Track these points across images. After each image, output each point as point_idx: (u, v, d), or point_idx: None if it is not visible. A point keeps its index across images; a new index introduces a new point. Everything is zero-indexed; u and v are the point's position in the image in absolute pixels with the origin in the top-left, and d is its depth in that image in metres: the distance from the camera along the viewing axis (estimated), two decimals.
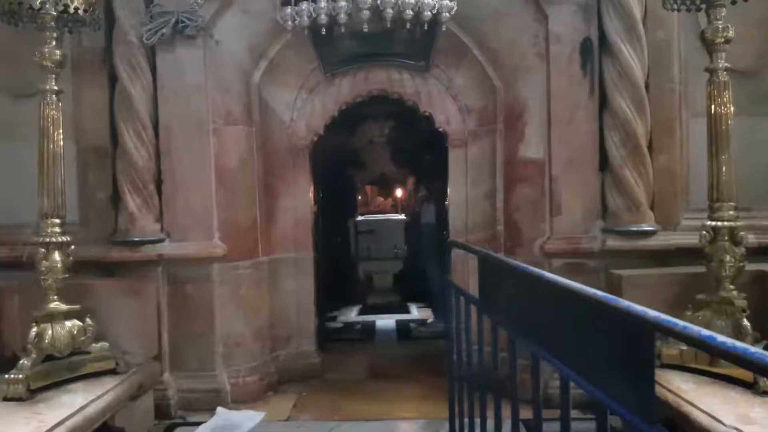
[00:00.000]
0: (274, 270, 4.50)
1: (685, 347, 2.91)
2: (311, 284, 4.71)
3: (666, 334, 1.14)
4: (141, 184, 3.86)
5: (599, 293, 1.45)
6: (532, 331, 2.05)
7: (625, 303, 1.29)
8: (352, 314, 7.45)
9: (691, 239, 3.35)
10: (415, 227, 7.62)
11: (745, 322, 2.84)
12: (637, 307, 1.23)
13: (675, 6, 3.17)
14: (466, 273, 4.12)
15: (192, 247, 3.96)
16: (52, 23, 3.03)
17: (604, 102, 3.90)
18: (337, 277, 7.06)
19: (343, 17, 3.38)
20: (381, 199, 10.42)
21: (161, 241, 3.93)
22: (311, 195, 4.80)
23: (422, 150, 7.21)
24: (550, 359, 1.85)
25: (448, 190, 4.71)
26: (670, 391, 2.72)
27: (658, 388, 1.55)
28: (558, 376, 1.84)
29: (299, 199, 4.64)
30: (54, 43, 3.05)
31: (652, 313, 1.18)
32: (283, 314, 4.57)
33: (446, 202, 5.05)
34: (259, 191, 4.37)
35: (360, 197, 9.95)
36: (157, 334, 3.77)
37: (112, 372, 3.22)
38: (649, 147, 3.84)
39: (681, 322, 1.10)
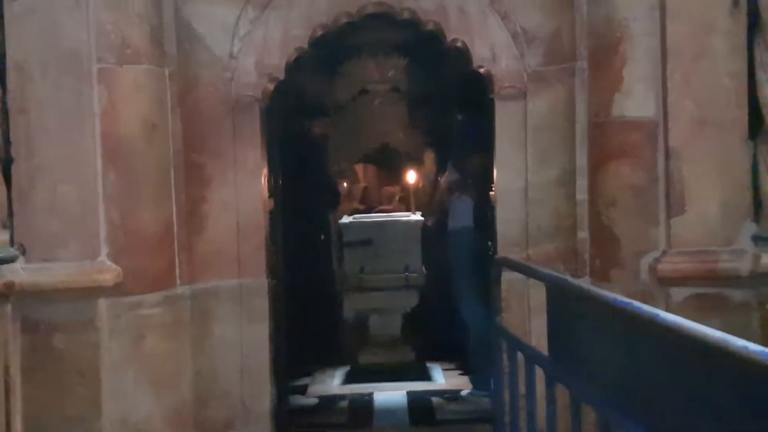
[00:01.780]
0: (201, 308, 4.49)
1: None
2: (265, 332, 4.69)
3: None
4: None
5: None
6: (644, 411, 2.06)
7: None
8: (333, 382, 7.40)
9: None
10: (440, 235, 7.57)
11: None
12: None
13: None
14: (525, 312, 4.18)
15: (62, 270, 3.95)
16: None
17: (756, 24, 3.90)
18: (309, 318, 7.02)
19: None
20: (389, 190, 10.42)
21: (10, 260, 3.90)
22: (265, 182, 4.80)
23: (450, 105, 7.19)
24: None
25: (495, 172, 4.72)
26: None
27: None
28: None
29: (244, 188, 4.62)
30: None
31: None
32: (217, 383, 4.55)
33: (491, 194, 5.02)
34: (177, 176, 4.36)
35: (346, 185, 9.93)
36: (4, 417, 3.75)
37: None
38: None
39: None
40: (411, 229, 8.07)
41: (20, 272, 3.89)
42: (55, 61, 3.97)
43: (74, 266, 3.97)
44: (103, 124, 4.03)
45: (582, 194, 4.36)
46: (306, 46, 4.60)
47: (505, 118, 4.57)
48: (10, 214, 3.94)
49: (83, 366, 3.98)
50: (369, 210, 9.68)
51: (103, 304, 4.01)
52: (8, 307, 3.87)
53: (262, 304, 4.69)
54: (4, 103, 3.93)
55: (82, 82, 4.00)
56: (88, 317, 3.99)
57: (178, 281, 4.35)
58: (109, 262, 4.01)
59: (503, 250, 4.50)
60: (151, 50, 4.23)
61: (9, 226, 3.94)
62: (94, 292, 3.98)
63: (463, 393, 6.80)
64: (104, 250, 4.02)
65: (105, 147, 4.03)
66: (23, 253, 3.93)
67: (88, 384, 3.99)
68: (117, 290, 4.03)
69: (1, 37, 3.92)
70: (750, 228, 3.95)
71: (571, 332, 2.76)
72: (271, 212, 4.94)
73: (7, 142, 3.93)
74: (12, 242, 3.94)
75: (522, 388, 3.28)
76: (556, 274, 3.13)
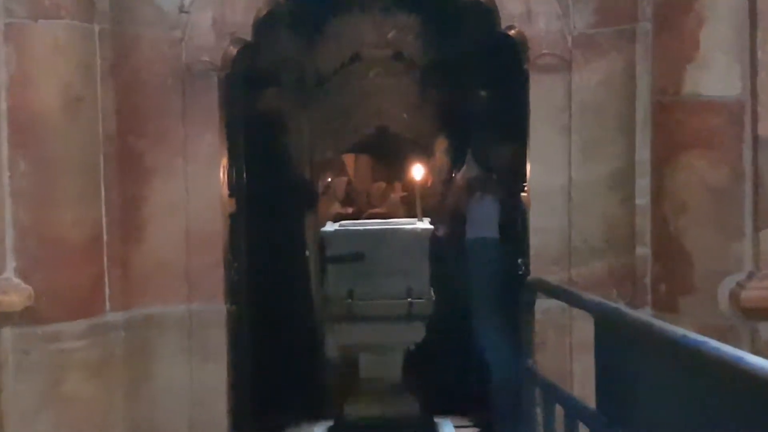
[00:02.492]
0: (139, 341, 4.52)
1: None
2: (222, 374, 4.73)
3: None
4: None
5: None
6: None
7: None
8: None
9: None
10: (454, 248, 7.59)
11: None
12: None
13: None
14: (566, 351, 4.23)
15: None
16: None
17: None
18: (281, 357, 7.02)
19: None
20: (380, 186, 10.43)
21: None
22: (225, 176, 4.83)
23: (470, 79, 7.20)
24: None
25: (529, 167, 4.74)
26: None
27: None
28: None
29: (197, 184, 4.65)
30: None
31: None
32: None
33: (523, 195, 5.03)
34: (109, 166, 4.38)
35: (331, 180, 9.94)
36: None
37: None
38: None
39: None
40: (416, 241, 8.01)
41: None
42: None
43: None
44: (10, 96, 4.05)
45: (643, 197, 4.38)
46: None
47: (543, 95, 4.60)
48: None
49: None
50: (357, 214, 9.67)
51: (8, 334, 4.02)
52: None
53: (218, 337, 4.72)
54: None
55: None
56: None
57: (108, 306, 4.37)
58: (16, 280, 4.02)
59: (538, 270, 4.53)
60: (75, 1, 4.23)
61: None
62: None
63: None
64: (10, 263, 4.03)
65: (13, 127, 4.05)
66: None
67: None
68: (27, 317, 4.04)
69: None
70: None
71: (627, 379, 2.76)
72: (232, 216, 4.96)
73: None
74: None
75: None
76: (607, 302, 3.11)
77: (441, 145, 8.51)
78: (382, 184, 10.55)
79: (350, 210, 9.92)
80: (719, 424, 2.11)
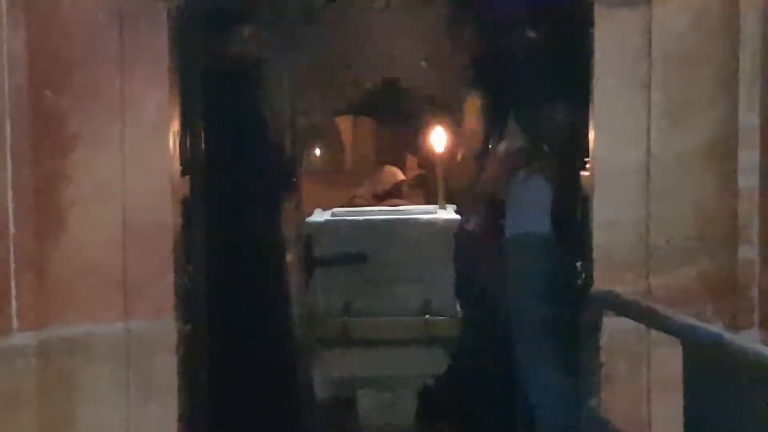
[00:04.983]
0: (58, 372, 4.54)
1: None
2: (170, 415, 4.75)
3: None
4: None
5: None
6: None
7: None
8: None
9: None
10: (489, 246, 7.61)
11: None
12: None
13: None
14: (643, 388, 4.21)
15: None
16: None
17: None
18: (250, 394, 7.06)
19: None
20: (390, 170, 10.47)
21: None
22: (175, 147, 4.85)
23: (510, 15, 7.22)
24: None
25: (592, 137, 4.76)
26: None
27: None
28: None
29: (138, 157, 4.67)
30: None
31: None
32: None
33: (584, 175, 5.04)
34: (18, 132, 4.38)
35: (319, 152, 9.97)
36: None
37: None
38: None
39: None
40: (437, 236, 8.05)
41: None
42: None
43: None
44: None
45: (749, 178, 4.38)
46: None
47: (614, 38, 4.62)
48: None
49: None
50: (358, 201, 9.69)
51: None
52: None
53: (166, 366, 4.74)
54: None
55: None
56: None
57: (15, 323, 4.38)
58: None
59: (605, 277, 4.54)
60: None
61: None
62: None
63: None
64: None
65: None
66: None
67: None
68: None
69: None
70: None
71: (726, 424, 2.77)
72: (185, 201, 4.97)
73: None
74: None
75: None
76: (700, 324, 3.13)
77: (472, 105, 8.53)
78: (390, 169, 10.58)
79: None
80: None
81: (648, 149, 4.54)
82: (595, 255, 4.66)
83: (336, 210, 8.66)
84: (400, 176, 10.24)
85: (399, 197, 9.90)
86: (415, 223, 8.13)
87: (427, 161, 9.63)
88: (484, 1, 7.80)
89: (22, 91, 4.39)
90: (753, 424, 2.61)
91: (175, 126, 4.82)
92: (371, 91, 9.59)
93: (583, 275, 4.81)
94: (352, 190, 9.93)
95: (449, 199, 8.49)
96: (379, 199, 9.88)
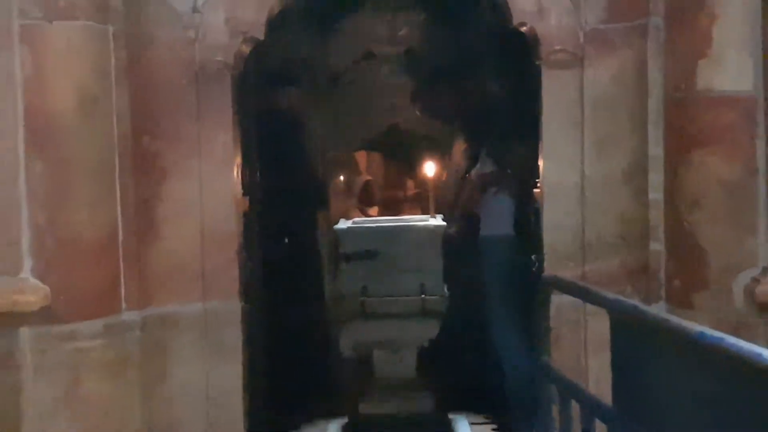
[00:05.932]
0: (155, 341, 4.54)
1: None
2: (237, 373, 4.74)
3: None
4: None
5: None
6: None
7: None
8: None
9: None
10: (468, 245, 7.59)
11: None
12: None
13: None
14: (580, 348, 4.26)
15: None
16: None
17: None
18: (295, 354, 7.05)
19: None
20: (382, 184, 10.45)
21: None
22: (238, 175, 4.85)
23: (483, 76, 7.21)
24: None
25: (542, 163, 4.76)
26: None
27: None
28: None
29: (212, 183, 4.67)
30: None
31: None
32: None
33: (536, 191, 5.04)
34: (123, 166, 4.39)
35: (343, 178, 9.94)
36: None
37: None
38: None
39: None
40: (429, 238, 8.05)
41: None
42: None
43: None
44: (26, 97, 4.05)
45: (656, 193, 4.39)
46: None
47: (556, 91, 4.61)
48: None
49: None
50: (371, 212, 9.68)
51: (25, 334, 4.04)
52: None
53: (234, 336, 4.74)
54: None
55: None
56: (7, 350, 4.02)
57: (124, 305, 4.39)
58: (33, 280, 4.04)
59: (552, 266, 4.54)
60: (90, 3, 4.25)
61: None
62: (13, 318, 4.00)
63: None
64: (27, 264, 4.05)
65: (29, 128, 4.06)
66: None
67: None
68: (44, 316, 4.05)
69: None
70: None
71: (643, 375, 2.77)
72: (246, 215, 4.97)
73: None
74: None
75: None
76: (622, 299, 3.13)
77: (454, 142, 8.53)
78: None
79: (367, 208, 9.92)
80: (738, 420, 2.12)
81: (582, 172, 4.54)
82: (545, 250, 4.66)
83: (356, 219, 8.75)
84: (366, 178, 10.32)
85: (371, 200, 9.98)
86: (413, 228, 8.18)
87: (421, 183, 9.61)
88: (460, 66, 7.80)
89: (127, 137, 4.40)
90: (661, 371, 2.61)
91: (238, 160, 4.82)
92: (380, 133, 9.54)
93: (537, 264, 4.80)
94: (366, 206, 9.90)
95: (438, 211, 8.48)
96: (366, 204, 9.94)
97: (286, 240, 7.45)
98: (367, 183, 10.33)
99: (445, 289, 7.83)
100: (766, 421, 1.96)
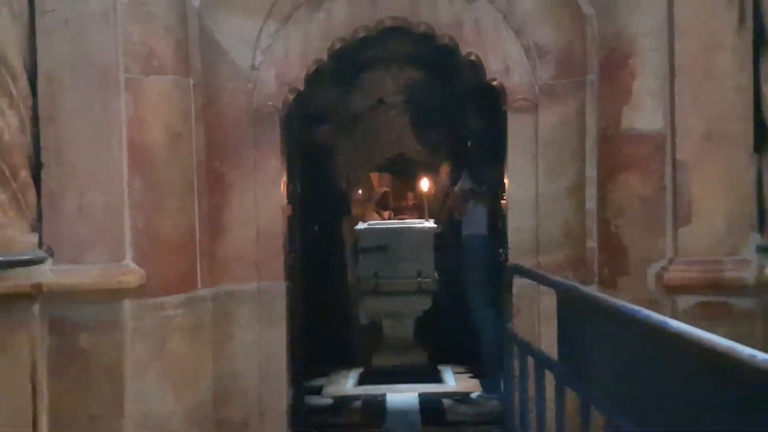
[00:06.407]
0: (222, 311, 4.52)
1: None
2: (283, 335, 4.72)
3: None
4: (7, 171, 3.82)
5: None
6: (652, 416, 2.07)
7: None
8: (347, 383, 7.43)
9: None
10: (453, 242, 7.58)
11: None
12: None
13: None
14: (535, 318, 4.19)
15: (90, 272, 3.95)
16: None
17: (761, 42, 3.89)
18: (325, 322, 7.04)
19: None
20: (391, 197, 10.43)
21: (39, 261, 3.91)
22: (284, 189, 4.83)
23: (465, 117, 7.20)
24: None
25: (507, 182, 4.73)
26: None
27: None
28: None
29: (264, 196, 4.65)
30: None
31: None
32: (236, 384, 4.57)
33: (503, 203, 5.03)
34: (199, 183, 4.38)
35: (362, 192, 9.95)
36: (32, 415, 3.77)
37: None
38: None
39: None
40: (424, 236, 8.08)
41: (48, 274, 3.91)
42: (83, 71, 3.97)
43: (100, 268, 3.97)
44: (129, 132, 4.04)
45: (591, 204, 4.36)
46: (325, 58, 4.64)
47: (517, 130, 4.59)
48: (39, 217, 3.96)
49: (107, 365, 3.98)
50: (382, 217, 9.67)
51: (127, 305, 4.02)
52: (36, 308, 3.88)
53: (280, 307, 4.72)
54: (35, 111, 3.93)
55: (109, 92, 4.00)
56: (113, 318, 4.00)
57: (199, 284, 4.38)
58: (133, 265, 4.02)
59: (514, 258, 4.51)
60: (176, 62, 4.25)
61: (38, 229, 3.95)
62: (118, 293, 3.99)
63: (474, 395, 6.81)
64: (129, 253, 4.03)
65: (131, 155, 4.04)
66: (51, 255, 3.95)
67: (111, 383, 3.99)
68: (141, 292, 4.04)
69: (33, 48, 3.94)
70: (754, 238, 3.95)
71: (581, 338, 2.77)
72: (289, 218, 4.97)
73: (37, 148, 3.94)
74: (40, 245, 3.96)
75: (532, 392, 3.28)
76: (565, 281, 3.13)
77: (444, 167, 8.53)
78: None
79: (385, 212, 9.90)
80: (649, 370, 2.13)
81: (537, 190, 4.51)
82: (509, 246, 4.63)
83: (371, 222, 8.73)
84: (384, 189, 10.30)
85: (386, 206, 9.95)
86: (412, 229, 8.21)
87: (418, 196, 9.59)
88: (447, 110, 7.80)
89: (202, 162, 4.39)
90: (593, 335, 2.61)
91: (284, 178, 4.82)
92: (389, 159, 9.52)
93: (503, 256, 4.80)
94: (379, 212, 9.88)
95: (431, 216, 8.47)
96: (383, 209, 9.90)
97: (319, 237, 7.46)
98: (384, 193, 10.29)
99: (436, 274, 7.88)
100: (666, 368, 1.97)
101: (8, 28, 3.82)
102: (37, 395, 3.82)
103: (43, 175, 3.96)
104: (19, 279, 3.85)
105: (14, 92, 3.84)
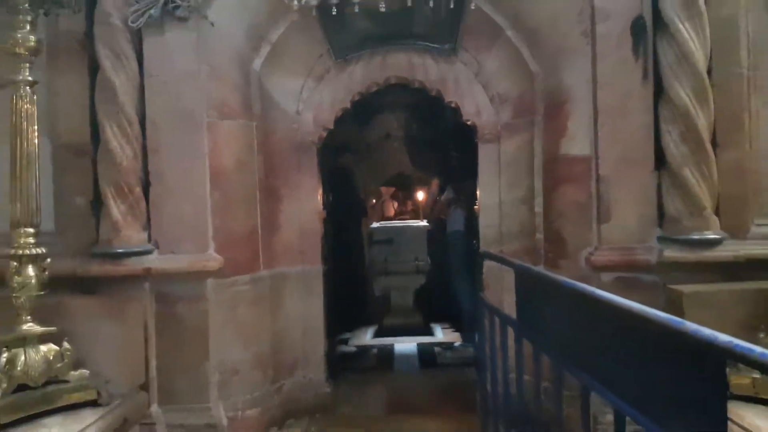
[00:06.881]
0: (276, 286, 4.54)
1: (758, 375, 2.88)
2: (320, 303, 4.74)
3: (740, 361, 1.14)
4: (126, 188, 3.88)
5: (662, 314, 1.46)
6: (582, 358, 2.06)
7: (692, 326, 1.30)
8: (366, 337, 7.46)
9: (763, 249, 3.34)
10: (440, 236, 7.59)
11: None
12: (706, 331, 1.24)
13: None
14: (500, 289, 4.14)
15: (183, 259, 3.98)
16: (26, 5, 3.08)
17: (660, 91, 3.88)
18: (349, 293, 7.08)
19: None
20: (395, 204, 10.42)
21: (149, 252, 3.95)
22: (320, 198, 4.84)
23: (448, 146, 7.22)
24: (603, 391, 1.85)
25: (479, 193, 4.72)
26: (742, 428, 2.70)
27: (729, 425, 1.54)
28: (611, 411, 1.83)
29: (305, 203, 4.68)
30: (28, 27, 3.11)
31: (723, 337, 1.18)
32: (287, 338, 4.60)
33: (476, 208, 5.05)
34: (260, 195, 4.41)
35: (374, 200, 9.95)
36: (144, 361, 3.80)
37: (93, 403, 3.24)
38: (713, 142, 3.81)
39: (758, 348, 1.10)
40: (420, 232, 8.11)
41: (155, 261, 3.96)
42: (177, 116, 4.01)
43: (191, 257, 4.00)
44: (210, 160, 4.06)
45: (539, 208, 4.36)
46: (348, 105, 4.68)
47: (485, 155, 4.59)
48: (148, 221, 4.02)
49: (196, 326, 4.02)
50: (389, 218, 9.66)
51: (210, 283, 4.06)
52: (147, 285, 3.94)
53: (318, 284, 4.75)
54: (144, 146, 3.98)
55: (195, 131, 4.04)
56: (200, 292, 4.03)
57: (261, 267, 4.42)
58: (214, 254, 4.05)
59: (485, 246, 4.52)
60: (242, 109, 4.30)
61: (147, 228, 4.01)
62: (204, 274, 4.02)
63: (456, 344, 6.84)
64: (211, 246, 4.06)
65: (211, 176, 4.06)
66: (157, 247, 4.00)
67: (199, 338, 4.03)
68: (219, 273, 4.07)
69: (142, 101, 3.98)
70: (657, 231, 3.94)
71: (532, 303, 2.78)
72: (324, 220, 4.98)
73: (146, 172, 4.00)
74: (149, 240, 4.01)
75: (498, 342, 3.29)
76: (521, 263, 3.13)
77: (433, 182, 8.52)
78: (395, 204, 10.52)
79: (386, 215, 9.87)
80: (581, 325, 2.14)
81: (500, 198, 4.52)
82: (481, 238, 4.63)
83: (382, 221, 8.74)
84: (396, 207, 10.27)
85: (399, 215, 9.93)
86: (411, 227, 8.21)
87: (416, 203, 9.57)
88: (436, 141, 7.80)
89: (261, 180, 4.43)
90: (541, 300, 2.62)
91: (320, 191, 4.82)
92: (393, 176, 9.50)
93: (477, 246, 4.78)
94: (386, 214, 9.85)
95: (424, 218, 8.49)
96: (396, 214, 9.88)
97: (344, 233, 7.46)
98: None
99: (428, 259, 7.88)
100: (594, 325, 1.98)
101: (126, 87, 3.88)
102: (148, 347, 3.87)
103: (150, 191, 4.01)
104: (135, 265, 3.91)
105: (130, 133, 3.90)
